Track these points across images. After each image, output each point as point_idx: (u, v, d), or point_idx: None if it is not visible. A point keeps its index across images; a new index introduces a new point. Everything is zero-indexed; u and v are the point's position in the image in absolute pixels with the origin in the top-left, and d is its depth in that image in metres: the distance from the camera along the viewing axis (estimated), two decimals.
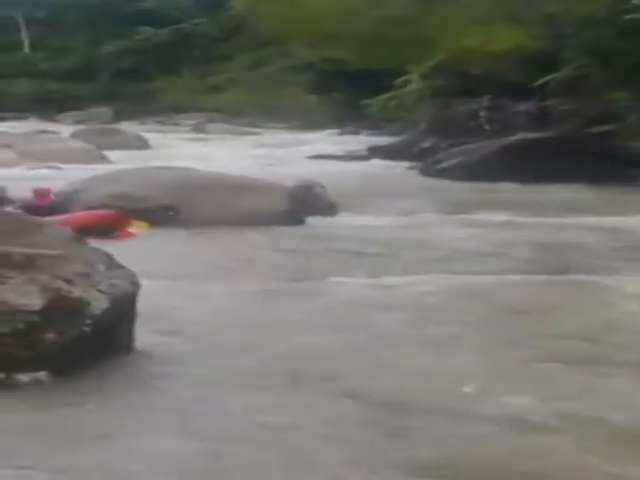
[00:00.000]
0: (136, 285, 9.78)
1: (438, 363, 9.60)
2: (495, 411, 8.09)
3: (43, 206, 18.34)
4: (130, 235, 17.86)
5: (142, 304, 9.80)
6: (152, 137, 47.85)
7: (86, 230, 16.44)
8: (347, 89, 47.78)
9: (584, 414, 8.05)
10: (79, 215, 18.07)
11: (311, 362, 9.44)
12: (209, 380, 8.87)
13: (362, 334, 10.59)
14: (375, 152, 39.59)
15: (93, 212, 18.28)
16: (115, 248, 13.31)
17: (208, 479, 6.83)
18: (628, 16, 28.64)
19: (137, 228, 18.28)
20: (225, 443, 7.33)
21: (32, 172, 29.20)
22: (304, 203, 20.59)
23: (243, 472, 6.86)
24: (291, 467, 6.99)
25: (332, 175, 26.33)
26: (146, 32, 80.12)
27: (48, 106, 68.03)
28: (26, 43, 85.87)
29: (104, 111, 63.41)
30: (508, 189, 25.24)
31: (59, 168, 30.84)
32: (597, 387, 8.85)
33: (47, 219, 17.20)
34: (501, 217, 20.44)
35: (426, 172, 32.24)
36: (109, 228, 17.62)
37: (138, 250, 15.05)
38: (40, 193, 19.22)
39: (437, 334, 10.72)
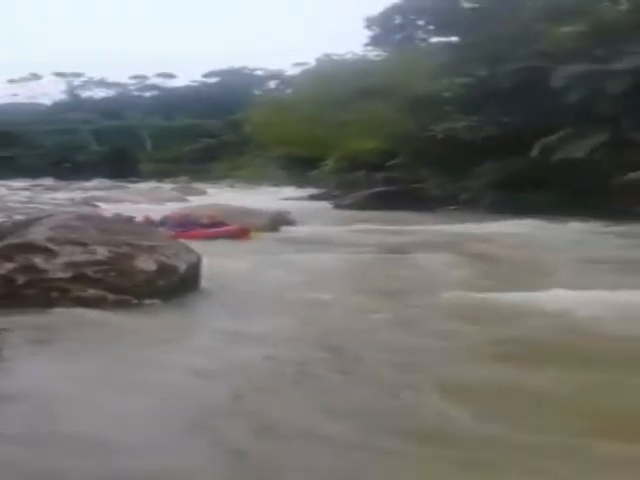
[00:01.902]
0: (199, 259, 9.77)
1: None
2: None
3: (214, 222, 17.54)
4: (250, 238, 16.88)
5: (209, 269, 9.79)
6: (209, 190, 47.59)
7: (230, 235, 16.61)
8: (298, 167, 47.38)
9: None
10: (228, 227, 17.22)
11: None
12: (230, 301, 8.92)
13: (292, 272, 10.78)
14: (313, 197, 39.17)
15: (234, 226, 17.28)
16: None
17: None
18: (428, 134, 28.79)
19: (254, 234, 17.26)
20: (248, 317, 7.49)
21: (155, 207, 28.78)
22: (279, 220, 20.59)
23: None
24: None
25: (292, 207, 26.35)
26: (204, 141, 79.80)
27: (159, 176, 67.50)
28: (148, 146, 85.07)
29: (186, 178, 62.89)
30: (373, 214, 25.14)
31: (165, 204, 30.62)
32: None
33: (212, 230, 16.96)
34: (369, 226, 20.49)
35: (336, 206, 31.92)
36: (240, 235, 16.85)
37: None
38: (212, 217, 17.90)
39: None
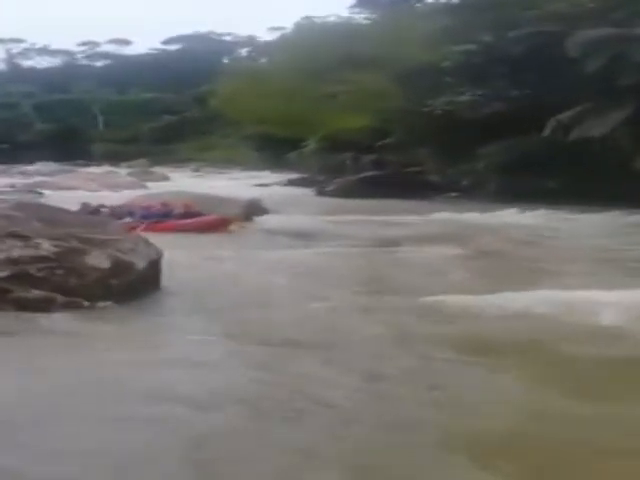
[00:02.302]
0: (160, 254, 9.81)
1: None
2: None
3: (190, 212, 17.62)
4: (230, 231, 16.94)
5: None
6: (171, 175, 47.64)
7: (207, 227, 16.66)
8: (274, 149, 47.33)
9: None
10: (204, 218, 17.36)
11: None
12: (194, 305, 8.92)
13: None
14: (291, 182, 39.50)
15: (211, 217, 17.42)
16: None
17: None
18: (424, 109, 28.83)
19: (235, 226, 17.36)
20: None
21: (109, 194, 28.66)
22: (252, 210, 20.57)
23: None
24: None
25: (267, 194, 26.38)
26: (165, 118, 79.66)
27: (114, 158, 67.28)
28: (100, 124, 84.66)
29: (144, 161, 62.76)
30: (361, 202, 25.23)
31: (121, 192, 30.50)
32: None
33: (188, 220, 17.09)
34: (356, 217, 20.46)
35: (318, 193, 32.27)
36: (219, 227, 16.92)
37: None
38: (189, 206, 17.96)
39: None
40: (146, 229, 15.27)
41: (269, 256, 12.88)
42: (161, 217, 17.36)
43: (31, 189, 30.58)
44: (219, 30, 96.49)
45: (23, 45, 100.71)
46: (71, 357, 6.69)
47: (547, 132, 25.03)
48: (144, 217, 17.15)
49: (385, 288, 10.12)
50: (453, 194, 28.27)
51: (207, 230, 16.50)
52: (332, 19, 43.03)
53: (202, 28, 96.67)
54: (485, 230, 16.45)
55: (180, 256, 10.85)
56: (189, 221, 17.16)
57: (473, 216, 19.98)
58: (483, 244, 14.30)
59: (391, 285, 10.32)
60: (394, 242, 14.81)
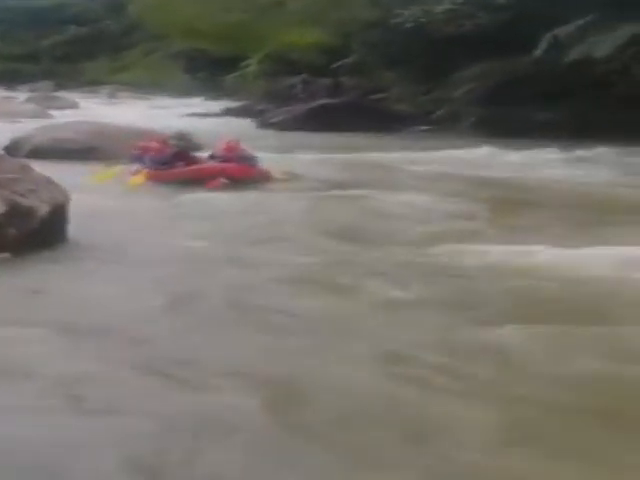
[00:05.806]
0: (67, 197, 9.74)
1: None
2: None
3: (230, 156, 15.96)
4: (270, 180, 15.52)
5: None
6: (80, 101, 47.21)
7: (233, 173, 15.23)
8: (209, 70, 47.22)
9: None
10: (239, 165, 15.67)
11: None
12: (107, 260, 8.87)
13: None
14: (228, 112, 39.47)
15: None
16: None
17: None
18: (392, 21, 28.72)
19: (279, 174, 15.86)
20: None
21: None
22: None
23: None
24: None
25: (199, 126, 26.15)
26: (73, 30, 78.78)
27: (8, 81, 66.50)
28: None
29: (48, 84, 62.25)
30: (313, 137, 25.14)
31: (19, 122, 30.09)
32: None
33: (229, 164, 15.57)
34: (310, 155, 20.32)
35: (261, 125, 32.22)
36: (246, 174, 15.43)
37: None
38: (232, 148, 16.44)
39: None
40: (152, 177, 15.09)
41: (197, 201, 12.89)
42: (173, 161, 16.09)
43: None
44: None
45: None
46: None
47: (540, 51, 24.86)
48: (154, 162, 15.96)
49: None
50: (424, 127, 28.24)
51: (237, 178, 15.14)
52: None
53: None
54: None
55: (89, 199, 10.83)
56: (195, 168, 15.78)
57: (451, 154, 19.94)
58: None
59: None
60: (350, 185, 14.80)
